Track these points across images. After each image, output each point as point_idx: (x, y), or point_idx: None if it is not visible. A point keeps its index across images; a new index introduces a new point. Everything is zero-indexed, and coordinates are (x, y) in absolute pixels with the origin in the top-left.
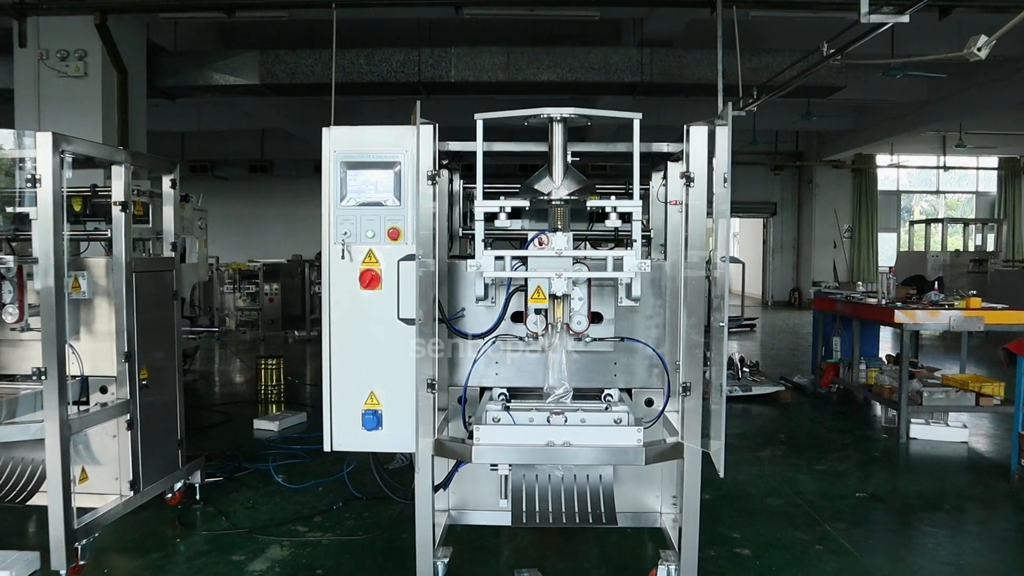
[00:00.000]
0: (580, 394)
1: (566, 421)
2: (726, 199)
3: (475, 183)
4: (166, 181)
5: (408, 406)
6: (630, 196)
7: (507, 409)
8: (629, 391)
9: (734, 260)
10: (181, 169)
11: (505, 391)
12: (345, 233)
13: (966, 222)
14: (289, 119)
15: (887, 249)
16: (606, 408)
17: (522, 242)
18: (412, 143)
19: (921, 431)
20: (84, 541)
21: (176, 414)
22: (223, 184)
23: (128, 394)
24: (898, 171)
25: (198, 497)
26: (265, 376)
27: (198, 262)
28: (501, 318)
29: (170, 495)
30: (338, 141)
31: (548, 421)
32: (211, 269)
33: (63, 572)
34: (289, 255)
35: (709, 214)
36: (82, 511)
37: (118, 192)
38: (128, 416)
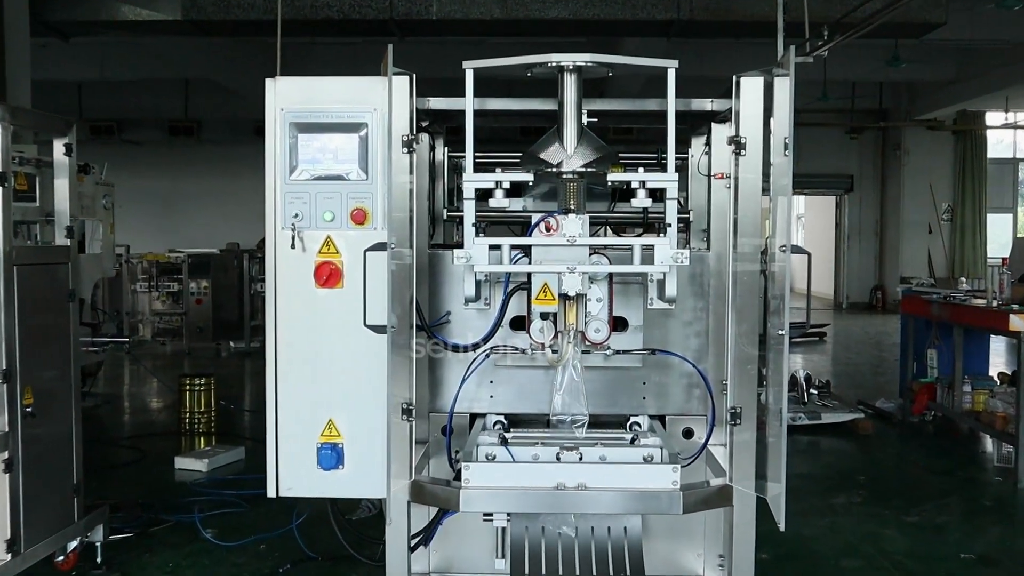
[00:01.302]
0: (599, 422)
1: (581, 458)
2: (787, 171)
3: (463, 151)
4: (59, 146)
5: (377, 438)
6: (663, 167)
7: (505, 442)
8: (662, 418)
9: (797, 250)
10: (79, 130)
11: (502, 419)
12: (296, 215)
13: None
14: (221, 67)
15: (1000, 235)
16: (632, 441)
17: (524, 227)
18: (382, 99)
19: None
20: None
21: (72, 451)
22: (135, 151)
23: (7, 425)
24: (1015, 133)
25: (99, 560)
26: (190, 400)
27: (102, 252)
28: (497, 325)
29: (61, 558)
30: (286, 96)
31: (558, 458)
32: (119, 261)
33: None
34: (222, 243)
35: (765, 190)
36: None
37: None
38: (6, 454)
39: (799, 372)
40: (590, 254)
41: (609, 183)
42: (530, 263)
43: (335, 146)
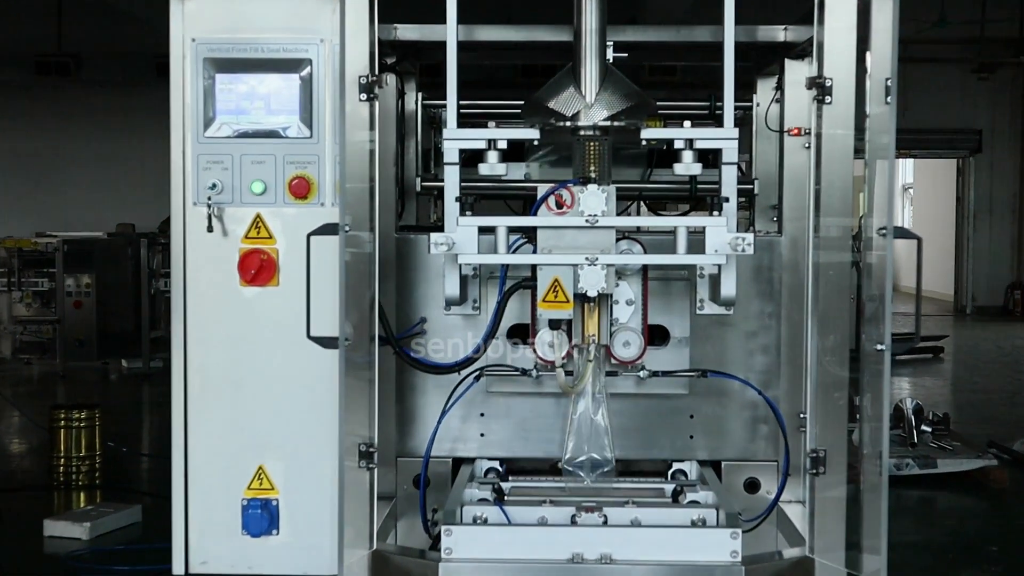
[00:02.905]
0: (630, 471)
1: (606, 521)
2: (890, 125)
3: (444, 98)
4: None
5: (324, 492)
6: (718, 121)
7: (500, 497)
8: (716, 465)
9: (903, 234)
10: None
11: (497, 465)
12: (213, 186)
13: None
14: None
15: None
16: (675, 496)
17: (527, 203)
18: (332, 26)
19: None
20: None
21: None
22: None
23: None
24: None
25: None
26: (67, 442)
27: None
28: (490, 336)
29: None
30: (199, 21)
31: (573, 520)
32: None
33: None
34: (112, 225)
35: (859, 152)
36: None
37: None
38: None
39: (906, 402)
40: (617, 239)
41: (644, 142)
42: (535, 251)
43: (267, 91)
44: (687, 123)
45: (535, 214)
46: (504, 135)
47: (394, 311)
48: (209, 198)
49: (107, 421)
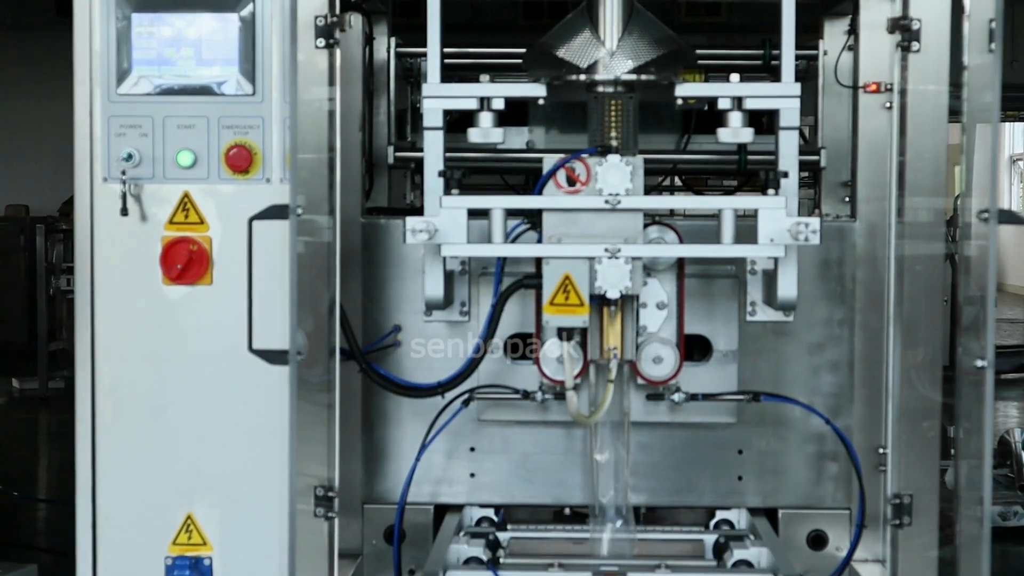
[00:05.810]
0: (663, 520)
1: None
2: (994, 79)
3: (424, 45)
4: None
5: (270, 548)
6: (773, 73)
7: (495, 556)
8: (772, 514)
9: (1011, 218)
10: None
11: (491, 514)
12: (129, 157)
13: None
14: None
15: None
16: (719, 553)
17: (530, 179)
18: None
19: None
20: None
21: None
22: None
23: None
24: None
25: None
26: None
27: None
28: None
29: None
30: None
31: None
32: None
33: None
34: (0, 208)
35: (954, 114)
36: None
37: None
38: None
39: (1014, 434)
40: (645, 225)
41: (680, 101)
42: (540, 241)
43: (198, 35)
44: (735, 76)
45: (540, 193)
46: (501, 92)
47: (360, 317)
48: (124, 172)
49: None
